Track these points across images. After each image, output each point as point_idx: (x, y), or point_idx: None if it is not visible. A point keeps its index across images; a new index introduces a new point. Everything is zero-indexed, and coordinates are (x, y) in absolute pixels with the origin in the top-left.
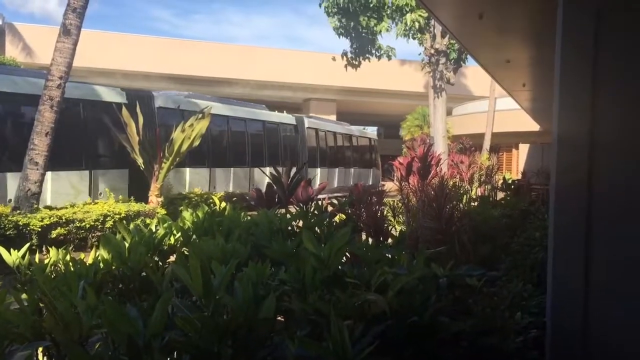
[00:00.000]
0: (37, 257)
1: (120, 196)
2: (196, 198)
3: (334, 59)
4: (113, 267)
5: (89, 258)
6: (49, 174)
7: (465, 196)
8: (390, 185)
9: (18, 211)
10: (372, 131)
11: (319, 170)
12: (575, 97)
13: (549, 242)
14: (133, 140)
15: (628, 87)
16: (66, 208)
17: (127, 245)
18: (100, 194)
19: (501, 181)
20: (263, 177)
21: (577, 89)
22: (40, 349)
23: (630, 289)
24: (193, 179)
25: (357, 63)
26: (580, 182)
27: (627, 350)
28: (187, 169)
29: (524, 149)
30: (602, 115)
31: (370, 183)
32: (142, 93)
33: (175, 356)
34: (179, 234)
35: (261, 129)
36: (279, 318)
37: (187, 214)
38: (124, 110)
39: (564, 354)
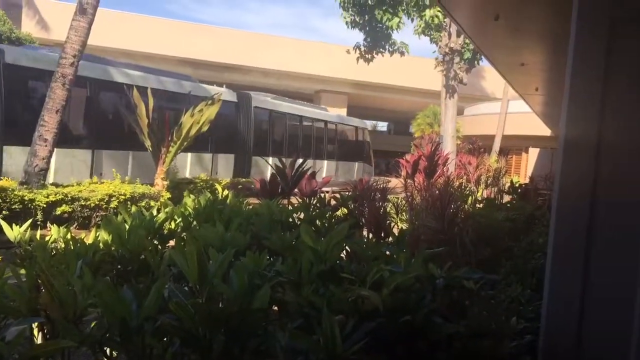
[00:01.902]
0: (38, 233)
1: (127, 177)
2: (201, 183)
3: (348, 51)
4: (112, 249)
5: (89, 237)
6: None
7: (470, 197)
8: (395, 182)
9: (25, 186)
10: (381, 126)
11: (270, 160)
12: (584, 103)
13: (548, 248)
14: (142, 122)
15: (636, 95)
16: (72, 186)
17: (127, 227)
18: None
19: (508, 184)
20: (183, 164)
21: (586, 96)
22: (35, 324)
23: (627, 299)
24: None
25: (369, 57)
26: (584, 189)
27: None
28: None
29: (533, 153)
30: (610, 124)
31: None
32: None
33: (167, 340)
34: (180, 219)
35: (183, 105)
36: (274, 308)
37: (188, 200)
38: (135, 92)
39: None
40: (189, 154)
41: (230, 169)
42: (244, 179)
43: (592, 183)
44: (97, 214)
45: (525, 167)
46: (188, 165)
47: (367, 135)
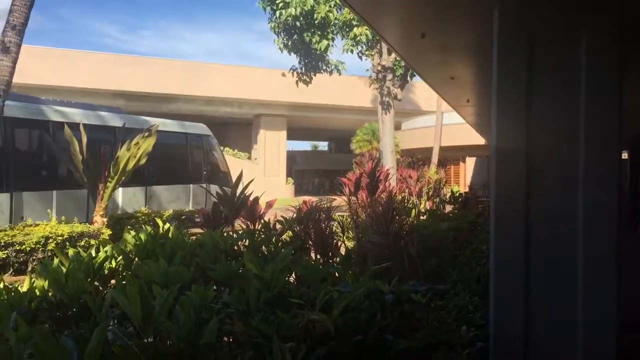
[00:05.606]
0: None
1: (63, 217)
2: (143, 217)
3: (284, 74)
4: (50, 294)
5: (24, 285)
6: None
7: (414, 210)
8: (339, 201)
9: None
10: (323, 146)
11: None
12: (511, 113)
13: (490, 254)
14: (76, 159)
15: (558, 103)
16: (4, 230)
17: (64, 270)
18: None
19: (449, 194)
20: None
21: (512, 106)
22: None
23: (569, 299)
24: None
25: (307, 79)
26: (517, 195)
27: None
28: None
29: (470, 162)
30: (536, 130)
31: (203, 207)
32: None
33: None
34: (120, 257)
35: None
36: (226, 339)
37: (128, 237)
38: (66, 129)
39: None
40: None
41: None
42: (188, 210)
43: (524, 188)
44: (35, 257)
45: (464, 176)
46: None
47: (214, 145)
